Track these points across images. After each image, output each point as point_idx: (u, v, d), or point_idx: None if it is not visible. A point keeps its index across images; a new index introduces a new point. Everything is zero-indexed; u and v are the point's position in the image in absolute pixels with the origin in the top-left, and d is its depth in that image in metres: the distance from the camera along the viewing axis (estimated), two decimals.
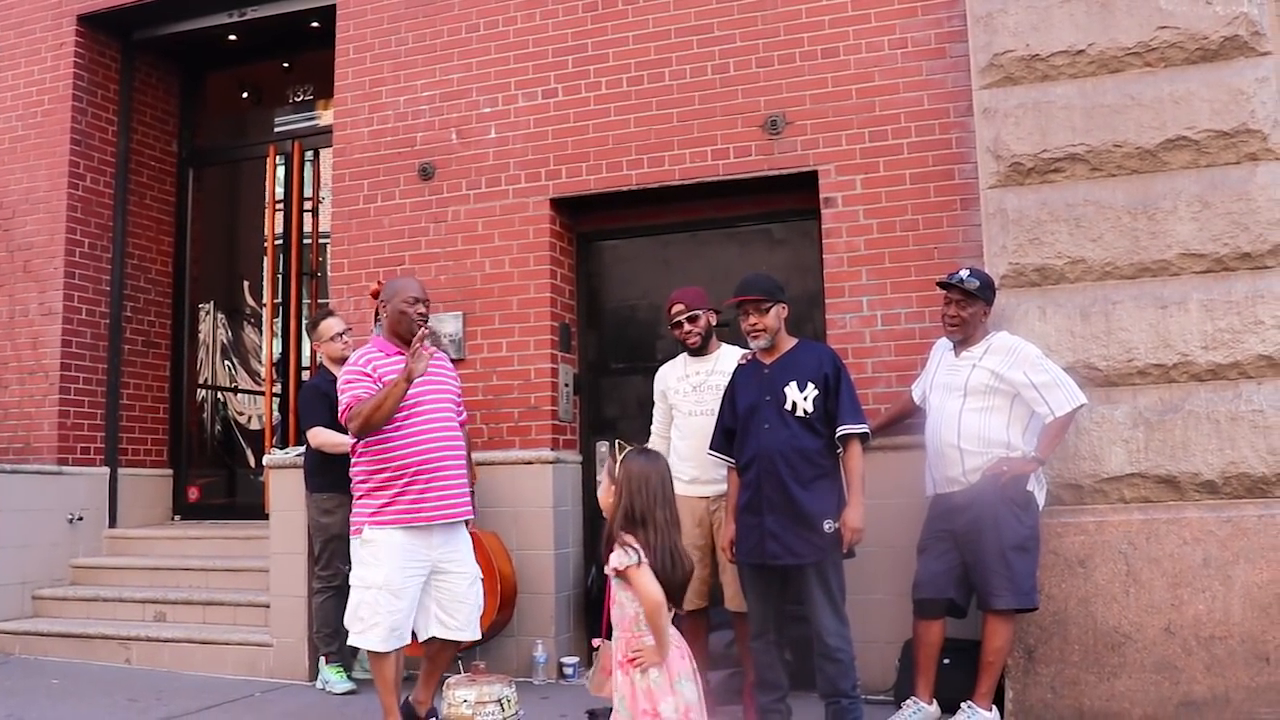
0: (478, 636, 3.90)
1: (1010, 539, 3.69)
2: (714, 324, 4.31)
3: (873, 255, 4.63)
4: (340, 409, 3.76)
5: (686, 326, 4.23)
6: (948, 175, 4.56)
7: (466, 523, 3.90)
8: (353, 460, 3.83)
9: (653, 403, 4.47)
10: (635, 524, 2.82)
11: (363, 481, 3.78)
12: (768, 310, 3.79)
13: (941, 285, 3.98)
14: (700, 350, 4.26)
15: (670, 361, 4.47)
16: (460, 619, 3.80)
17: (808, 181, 4.79)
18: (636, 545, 2.78)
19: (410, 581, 3.71)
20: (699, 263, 5.27)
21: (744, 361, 3.97)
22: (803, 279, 5.10)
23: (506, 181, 5.23)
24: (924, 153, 4.60)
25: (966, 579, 3.81)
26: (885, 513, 4.22)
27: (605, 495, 2.95)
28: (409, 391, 3.70)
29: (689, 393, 4.24)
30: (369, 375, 3.76)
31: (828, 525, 3.62)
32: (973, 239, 4.45)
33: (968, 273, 3.91)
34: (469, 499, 3.84)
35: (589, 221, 5.41)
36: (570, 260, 5.39)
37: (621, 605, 2.83)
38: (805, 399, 3.69)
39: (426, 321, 3.87)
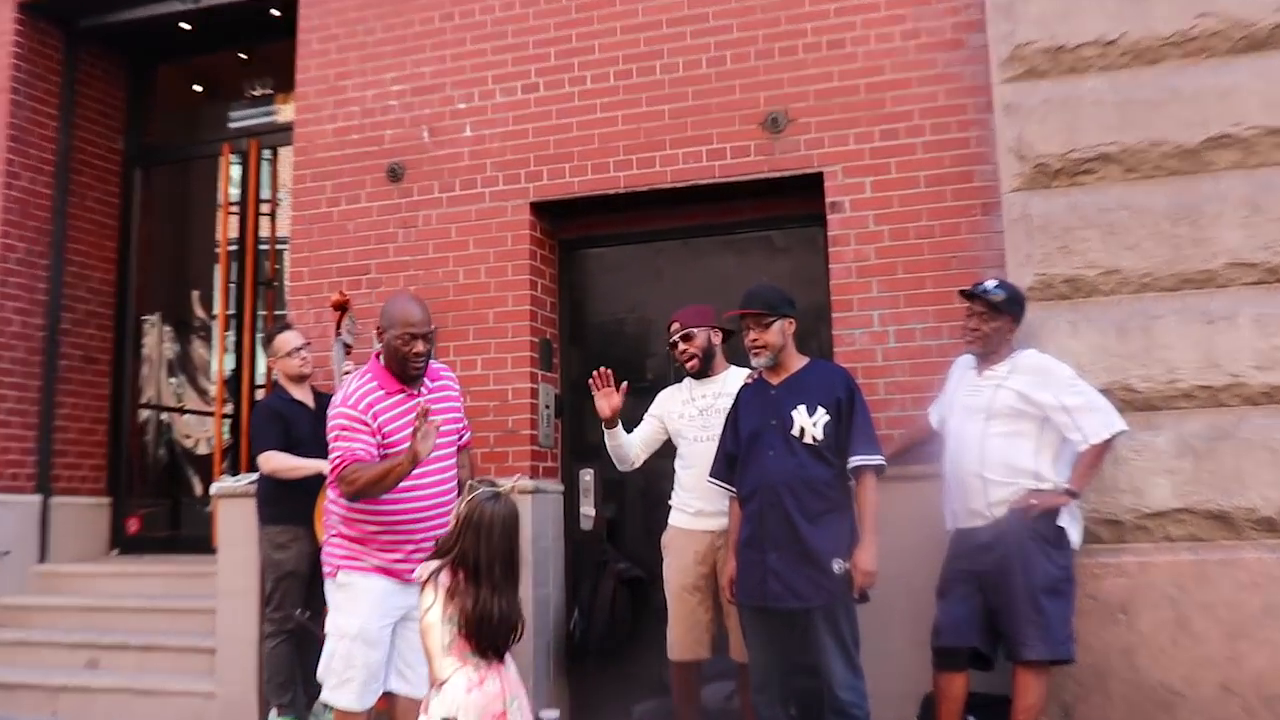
0: None
1: (1041, 581, 3.54)
2: (716, 343, 4.21)
3: (884, 265, 4.50)
4: (330, 461, 3.51)
5: (681, 346, 4.16)
6: (966, 177, 4.43)
7: None
8: (328, 491, 3.68)
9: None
10: (467, 569, 2.82)
11: (341, 520, 3.63)
12: (770, 325, 3.72)
13: (965, 295, 3.86)
14: (703, 372, 4.21)
15: (673, 386, 4.40)
16: (423, 674, 3.54)
17: (812, 184, 4.67)
18: (445, 583, 2.80)
19: (385, 632, 3.59)
20: (693, 273, 5.14)
21: (749, 381, 3.81)
22: (808, 291, 4.91)
23: (483, 184, 5.11)
24: (940, 153, 4.48)
25: (993, 626, 3.66)
26: (900, 550, 4.05)
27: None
28: (402, 422, 3.49)
29: (694, 417, 4.15)
30: (366, 425, 3.49)
31: (837, 566, 3.52)
32: (995, 247, 4.32)
33: (994, 284, 3.80)
34: None
35: (573, 228, 5.27)
36: (552, 270, 5.27)
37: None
38: (815, 424, 3.61)
39: (428, 360, 3.62)
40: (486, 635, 2.78)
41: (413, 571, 3.48)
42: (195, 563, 5.94)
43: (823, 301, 4.76)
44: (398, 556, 3.55)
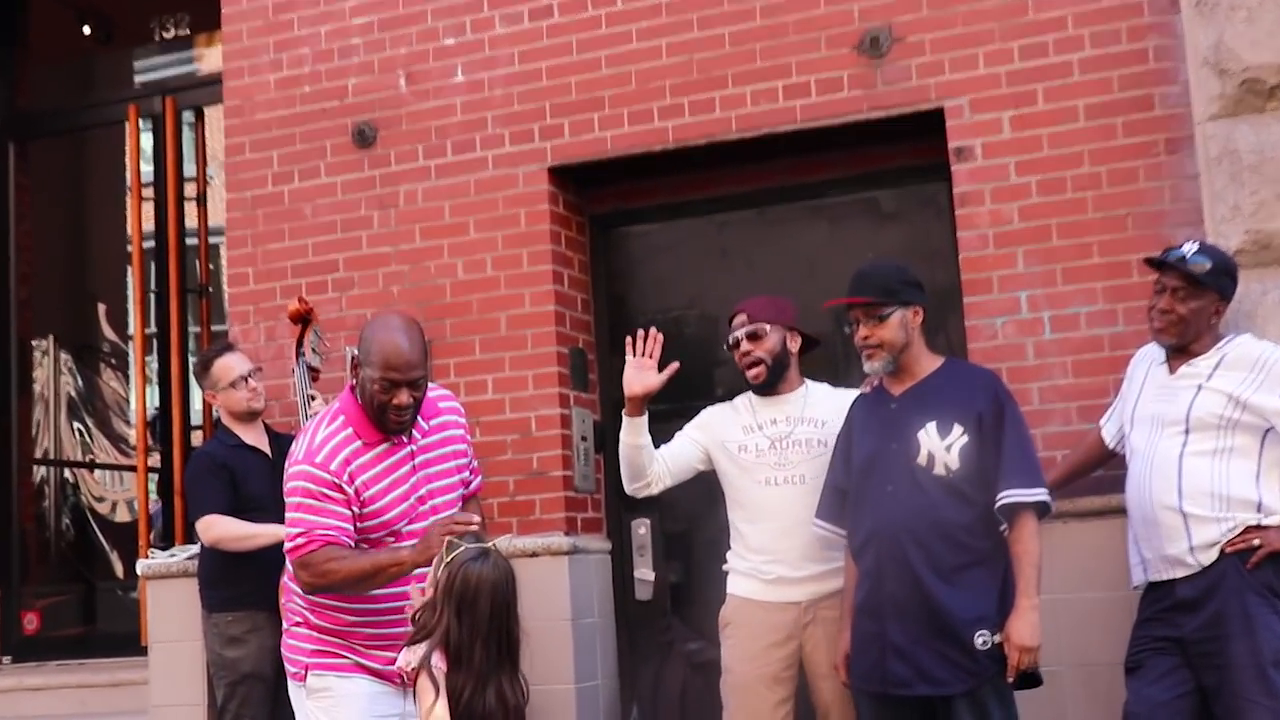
0: None
1: (1272, 650, 3.54)
2: (793, 350, 4.19)
3: (1032, 230, 4.50)
4: (289, 537, 3.54)
5: (746, 346, 4.14)
6: (1143, 104, 4.40)
7: None
8: (288, 568, 3.70)
9: None
10: (447, 652, 2.97)
11: (308, 606, 3.66)
12: (887, 317, 3.73)
13: (1152, 265, 3.85)
14: (769, 387, 4.16)
15: (725, 404, 4.35)
16: None
17: (929, 125, 4.67)
18: (443, 668, 2.96)
19: None
20: (770, 252, 5.14)
21: (866, 390, 3.93)
22: (928, 269, 4.77)
23: (482, 145, 5.15)
24: (1104, 72, 4.45)
25: (1205, 711, 3.66)
26: (1070, 614, 4.08)
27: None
28: (393, 498, 3.58)
29: (764, 451, 4.12)
30: (340, 491, 3.51)
31: (981, 640, 3.54)
32: (1187, 197, 4.31)
33: (1193, 248, 3.78)
34: None
35: (607, 198, 5.32)
36: (582, 256, 5.30)
37: None
38: (949, 449, 3.63)
39: (414, 414, 3.61)
40: None
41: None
42: (118, 668, 5.92)
43: (949, 282, 4.76)
44: (388, 656, 3.51)
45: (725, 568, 4.26)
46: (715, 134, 4.91)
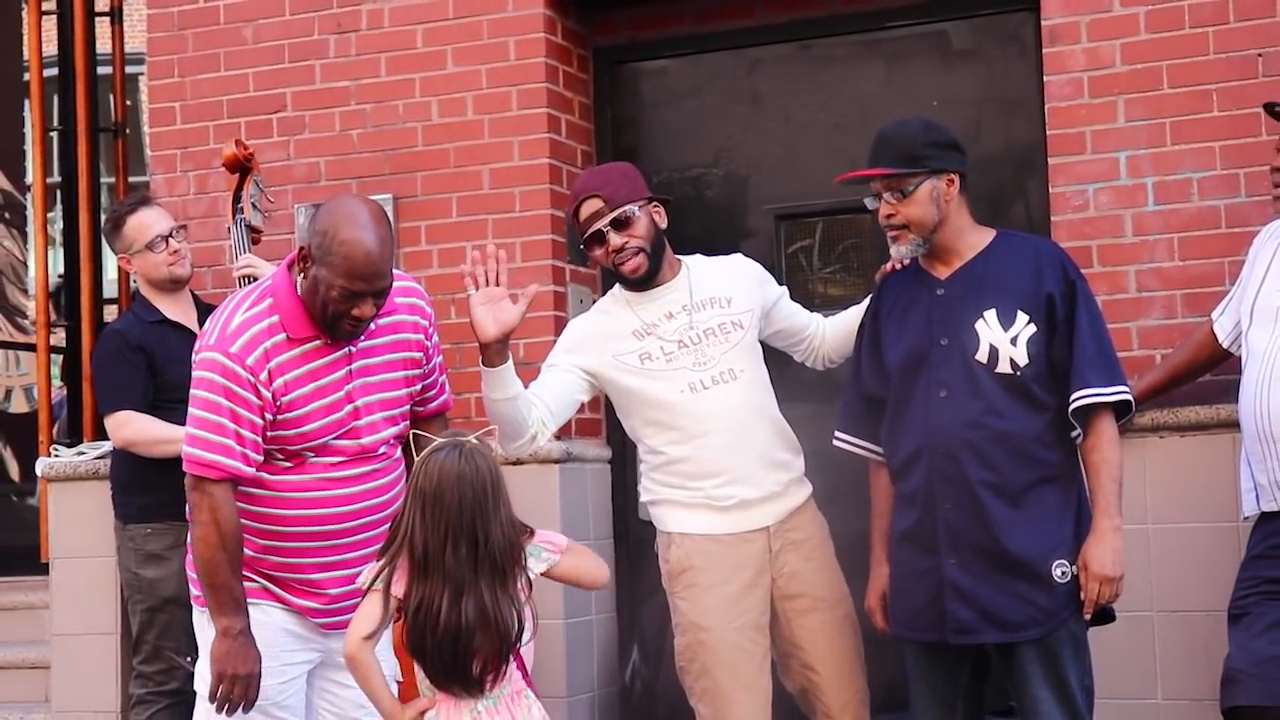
0: None
1: None
2: (662, 225, 3.99)
3: (1138, 74, 4.38)
4: (187, 440, 3.52)
5: (615, 241, 3.87)
6: None
7: None
8: None
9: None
10: (414, 559, 3.10)
11: None
12: (913, 191, 3.60)
13: (1271, 112, 3.78)
14: (651, 278, 3.98)
15: (592, 311, 4.17)
16: None
17: None
18: (389, 575, 3.14)
19: (290, 689, 3.69)
20: (815, 97, 4.98)
21: (899, 267, 3.81)
22: (1005, 121, 4.81)
23: None
24: None
25: None
26: (1165, 549, 4.08)
27: None
28: (325, 404, 3.55)
29: (674, 354, 3.94)
30: (255, 394, 3.48)
31: (1061, 571, 3.52)
32: None
33: None
34: None
35: (617, 27, 5.20)
36: (584, 98, 5.16)
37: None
38: (1014, 342, 3.56)
39: (366, 326, 3.57)
40: (432, 654, 3.06)
41: (330, 618, 3.70)
42: (12, 589, 5.98)
43: (1033, 138, 4.69)
44: (308, 597, 3.63)
45: (647, 502, 4.07)
46: None
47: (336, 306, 3.48)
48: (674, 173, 5.23)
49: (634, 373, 3.96)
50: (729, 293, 3.94)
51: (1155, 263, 4.39)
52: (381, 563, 3.09)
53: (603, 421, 5.24)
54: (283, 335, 3.51)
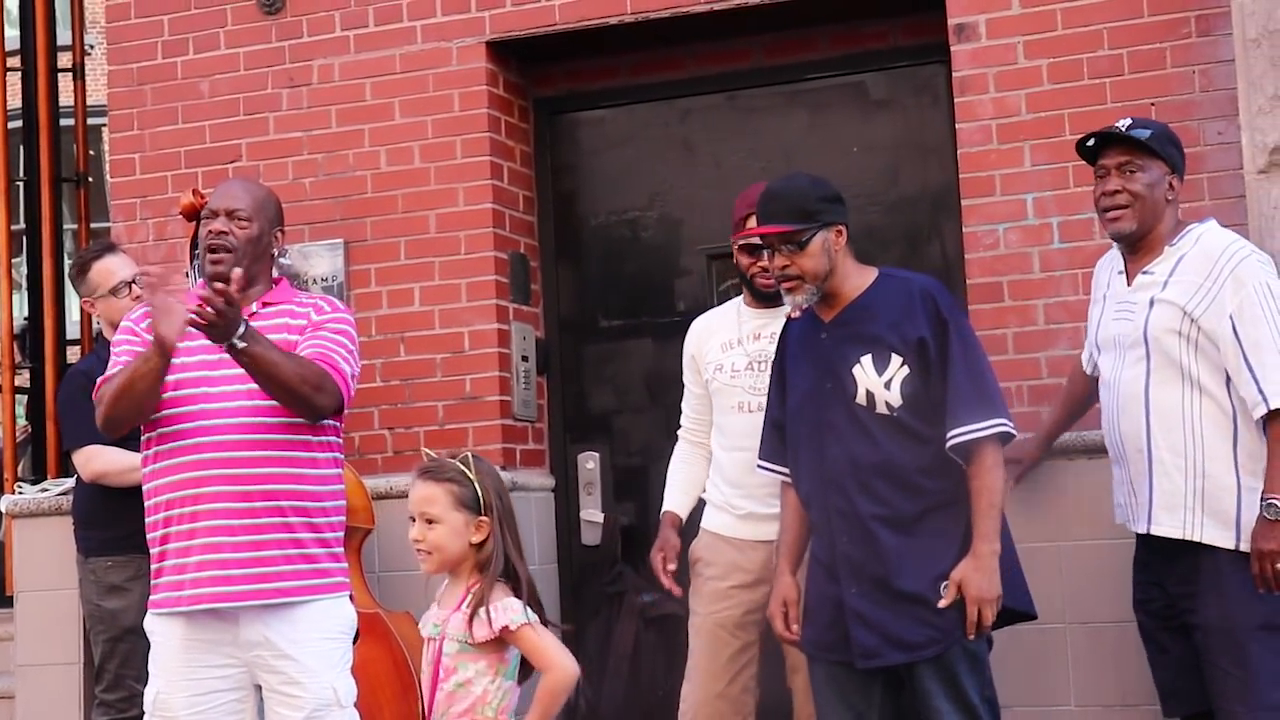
0: None
1: (1246, 615, 3.52)
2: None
3: (1042, 121, 4.36)
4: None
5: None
6: None
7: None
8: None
9: (675, 383, 4.26)
10: (508, 570, 3.22)
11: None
12: (807, 244, 3.57)
13: (1083, 153, 3.76)
14: (772, 298, 4.01)
15: (713, 312, 4.25)
16: None
17: None
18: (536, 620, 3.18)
19: (206, 704, 3.64)
20: (742, 144, 4.95)
21: (795, 315, 3.77)
22: (921, 166, 4.79)
23: (410, 14, 4.99)
24: None
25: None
26: (1075, 565, 4.04)
27: (448, 538, 3.26)
28: (181, 379, 3.59)
29: (740, 372, 4.08)
30: (137, 336, 3.68)
31: (941, 586, 3.51)
32: (1220, 84, 4.16)
33: (1128, 121, 3.70)
34: (279, 570, 3.64)
35: (556, 80, 5.16)
36: (525, 147, 5.12)
37: (466, 684, 3.20)
38: (888, 386, 3.54)
39: (229, 251, 3.74)
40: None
41: (191, 590, 3.60)
42: None
43: (946, 181, 4.65)
44: (173, 564, 3.60)
45: (702, 496, 4.23)
46: (681, 4, 4.70)
47: (203, 234, 3.84)
48: (611, 215, 5.23)
49: (715, 377, 4.21)
50: None
51: (1061, 296, 4.38)
52: (504, 597, 3.27)
53: (545, 452, 5.24)
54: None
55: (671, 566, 4.12)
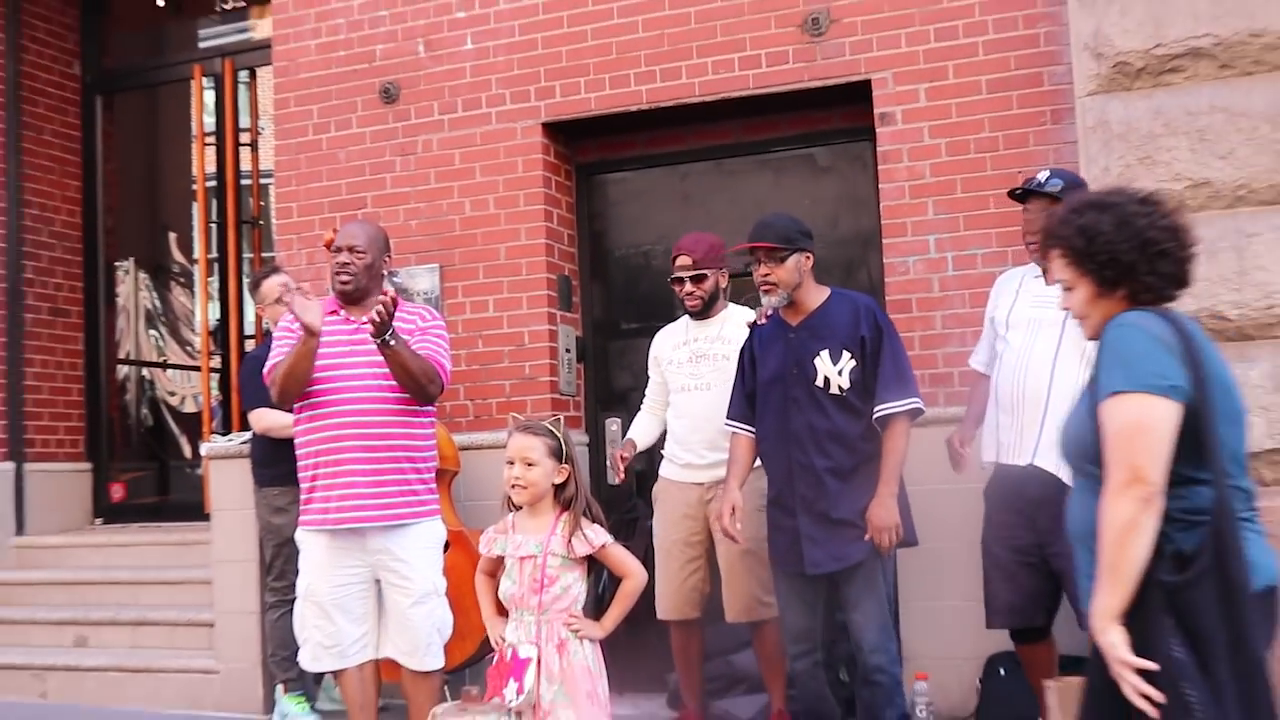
0: (433, 667, 3.82)
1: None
2: (723, 285, 4.33)
3: (941, 184, 4.53)
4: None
5: (689, 287, 4.26)
6: (1034, 81, 4.42)
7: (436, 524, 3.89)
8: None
9: None
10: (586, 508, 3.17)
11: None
12: (785, 259, 3.69)
13: (1014, 197, 3.80)
14: (702, 313, 4.31)
15: (669, 326, 4.52)
16: (405, 643, 3.76)
17: (859, 94, 4.68)
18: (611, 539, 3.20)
19: (342, 593, 3.74)
20: (726, 197, 5.22)
21: (763, 321, 3.90)
22: (854, 214, 5.04)
23: (488, 103, 5.17)
24: (1004, 53, 4.46)
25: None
26: (957, 500, 4.13)
27: (541, 477, 3.12)
28: (325, 364, 3.71)
29: (684, 364, 4.31)
30: (294, 334, 3.75)
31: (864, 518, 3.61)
32: (1067, 159, 4.31)
33: (1046, 174, 3.73)
34: (395, 499, 3.74)
35: (591, 150, 5.35)
36: (569, 198, 5.34)
37: (567, 588, 3.13)
38: (840, 373, 3.63)
39: (356, 282, 3.80)
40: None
41: (336, 514, 3.67)
42: (187, 530, 6.08)
43: (872, 226, 4.84)
44: (322, 496, 3.68)
45: (662, 452, 4.44)
46: (681, 97, 4.91)
47: (332, 264, 3.90)
48: (630, 248, 5.50)
49: (667, 368, 4.38)
50: (738, 336, 4.08)
51: (953, 309, 4.59)
52: (591, 528, 3.17)
53: (583, 418, 5.35)
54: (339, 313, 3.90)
55: (627, 455, 4.35)
